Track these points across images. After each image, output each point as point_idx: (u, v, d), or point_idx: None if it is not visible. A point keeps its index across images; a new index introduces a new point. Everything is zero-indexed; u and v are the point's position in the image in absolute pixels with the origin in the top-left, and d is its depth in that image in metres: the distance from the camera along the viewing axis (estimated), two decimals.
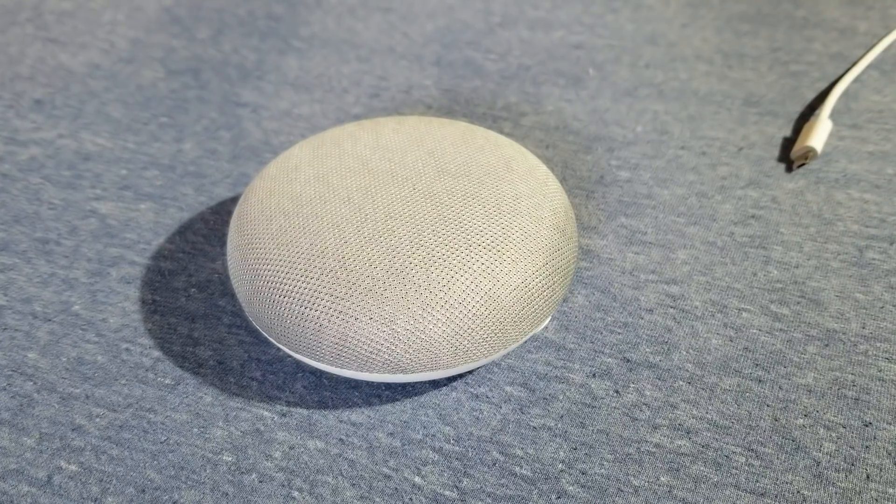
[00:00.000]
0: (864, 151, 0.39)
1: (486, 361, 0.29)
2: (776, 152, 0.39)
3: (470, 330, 0.27)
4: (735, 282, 0.34)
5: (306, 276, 0.28)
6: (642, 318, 0.33)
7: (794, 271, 0.34)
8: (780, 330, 0.32)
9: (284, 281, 0.28)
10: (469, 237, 0.28)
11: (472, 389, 0.31)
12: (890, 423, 0.29)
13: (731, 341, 0.32)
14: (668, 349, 0.32)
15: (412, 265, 0.27)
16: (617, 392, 0.31)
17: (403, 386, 0.31)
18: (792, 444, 0.29)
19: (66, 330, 0.34)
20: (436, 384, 0.32)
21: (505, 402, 0.31)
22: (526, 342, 0.33)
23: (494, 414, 0.30)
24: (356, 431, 0.30)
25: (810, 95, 0.43)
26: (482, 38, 0.49)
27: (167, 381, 0.32)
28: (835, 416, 0.30)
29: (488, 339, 0.28)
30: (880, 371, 0.31)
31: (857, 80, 0.43)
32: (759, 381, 0.31)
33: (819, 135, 0.38)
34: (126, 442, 0.30)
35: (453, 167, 0.31)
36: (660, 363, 0.32)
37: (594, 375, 0.31)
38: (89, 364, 0.33)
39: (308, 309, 0.28)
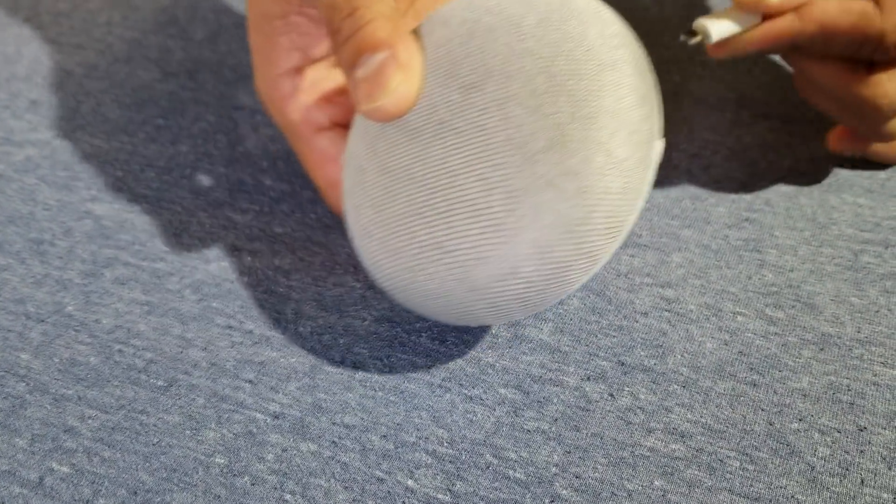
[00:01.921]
0: (857, 156, 0.39)
1: (604, 262, 0.27)
2: (770, 155, 0.39)
3: (585, 231, 0.26)
4: (730, 285, 0.34)
5: (427, 273, 0.28)
6: (637, 322, 0.33)
7: (789, 275, 0.34)
8: (775, 334, 0.32)
9: (410, 286, 0.28)
10: (525, 150, 0.26)
11: (465, 391, 0.31)
12: (885, 428, 0.29)
13: (726, 345, 0.32)
14: (663, 353, 0.32)
15: (496, 214, 0.26)
16: (611, 395, 0.31)
17: (397, 386, 0.31)
18: (786, 448, 0.29)
19: (60, 331, 0.34)
20: (430, 385, 0.31)
21: (499, 404, 0.31)
22: (521, 345, 0.33)
23: (488, 416, 0.30)
24: (349, 434, 0.30)
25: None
26: None
27: (160, 383, 0.32)
28: (829, 421, 0.30)
29: (600, 237, 0.26)
30: (875, 375, 0.31)
31: None
32: (754, 384, 0.31)
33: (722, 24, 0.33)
34: (118, 444, 0.30)
35: (474, 76, 0.27)
36: (654, 367, 0.32)
37: (589, 378, 0.31)
38: (82, 365, 0.33)
39: (447, 298, 0.28)
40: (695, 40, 0.32)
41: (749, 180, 0.38)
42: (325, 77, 0.35)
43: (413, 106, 0.28)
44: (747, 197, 0.37)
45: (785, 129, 0.41)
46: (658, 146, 0.27)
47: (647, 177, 0.27)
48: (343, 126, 0.35)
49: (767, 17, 0.32)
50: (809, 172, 0.39)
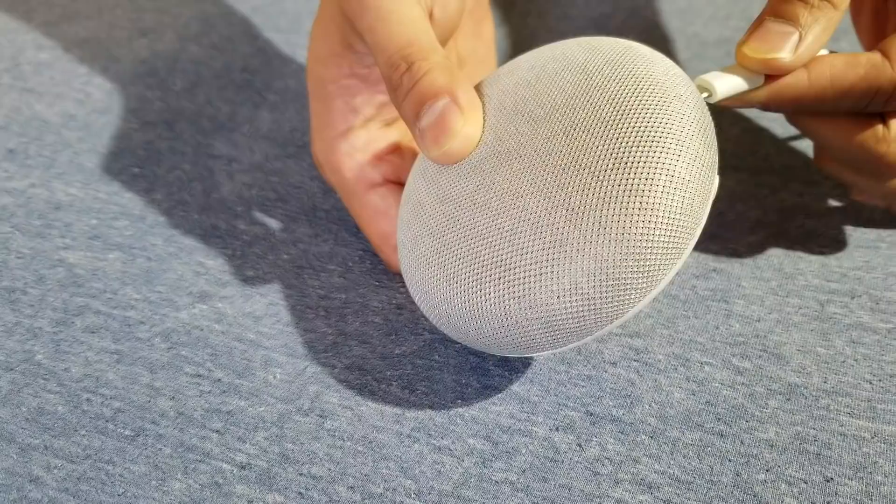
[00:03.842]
0: (823, 207, 0.40)
1: (672, 275, 0.28)
2: (737, 206, 0.40)
3: (647, 249, 0.26)
4: (697, 335, 0.34)
5: (485, 294, 0.28)
6: (606, 371, 0.33)
7: (756, 325, 0.35)
8: (742, 384, 0.32)
9: (469, 309, 0.28)
10: (593, 170, 0.27)
11: (434, 441, 0.31)
12: (851, 479, 0.29)
13: (694, 395, 0.32)
14: (631, 402, 0.32)
15: (560, 230, 0.27)
16: (580, 446, 0.31)
17: (366, 436, 0.31)
18: (754, 499, 0.29)
19: (28, 379, 0.34)
20: (399, 435, 0.31)
21: (467, 454, 0.31)
22: (491, 394, 0.33)
23: (457, 467, 0.30)
24: (316, 485, 0.30)
25: (771, 150, 0.43)
26: None
27: (127, 433, 0.32)
28: (796, 472, 0.30)
29: (663, 254, 0.27)
30: (842, 426, 0.31)
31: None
32: (721, 435, 0.31)
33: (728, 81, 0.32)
34: (83, 494, 0.30)
35: (539, 110, 0.29)
36: (623, 417, 0.32)
37: (557, 429, 0.31)
38: (49, 414, 0.33)
39: (505, 320, 0.28)
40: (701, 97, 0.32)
41: (717, 231, 0.39)
42: (377, 137, 0.37)
43: (477, 145, 0.30)
44: (714, 247, 0.38)
45: (752, 181, 0.41)
46: (716, 181, 0.28)
47: (706, 205, 0.28)
48: (394, 182, 0.37)
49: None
50: (776, 223, 0.39)
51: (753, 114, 0.46)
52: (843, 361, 0.33)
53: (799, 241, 0.38)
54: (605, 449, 0.31)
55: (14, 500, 0.30)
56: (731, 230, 0.39)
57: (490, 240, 0.28)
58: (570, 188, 0.27)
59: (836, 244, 0.38)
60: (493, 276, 0.28)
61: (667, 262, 0.27)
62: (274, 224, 0.41)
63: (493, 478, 0.30)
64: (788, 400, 0.32)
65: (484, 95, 0.31)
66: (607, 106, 0.28)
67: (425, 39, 0.31)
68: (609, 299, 0.27)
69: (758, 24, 0.31)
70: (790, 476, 0.29)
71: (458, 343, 0.34)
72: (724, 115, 0.46)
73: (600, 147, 0.27)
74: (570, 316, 0.27)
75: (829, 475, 0.29)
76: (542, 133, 0.29)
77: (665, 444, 0.31)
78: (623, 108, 0.28)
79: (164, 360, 0.34)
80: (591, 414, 0.32)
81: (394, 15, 0.31)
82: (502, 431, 0.31)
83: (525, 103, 0.30)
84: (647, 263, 0.26)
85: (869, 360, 0.33)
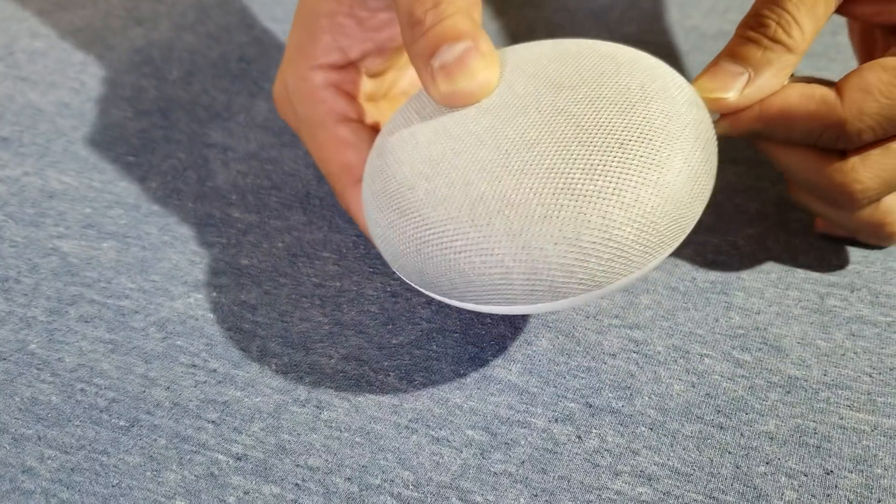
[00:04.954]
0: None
1: (671, 251, 0.28)
2: (736, 198, 0.40)
3: (653, 223, 0.26)
4: (697, 327, 0.34)
5: (476, 225, 0.27)
6: (605, 363, 0.33)
7: (756, 317, 0.34)
8: (742, 376, 0.32)
9: (454, 237, 0.27)
10: (616, 135, 0.27)
11: (433, 433, 0.31)
12: (851, 472, 0.29)
13: (694, 387, 0.32)
14: (631, 394, 0.32)
15: (575, 180, 0.26)
16: (579, 437, 0.31)
17: (363, 427, 0.31)
18: (753, 491, 0.29)
19: (21, 369, 0.34)
20: (396, 426, 0.31)
21: (466, 446, 0.30)
22: (489, 385, 0.32)
23: (455, 458, 0.30)
24: (313, 476, 0.30)
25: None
26: None
27: (121, 423, 0.32)
28: (796, 464, 0.29)
29: (671, 225, 0.27)
30: (842, 418, 0.31)
31: None
32: (721, 427, 0.31)
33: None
34: (77, 485, 0.30)
35: (565, 79, 0.29)
36: (622, 408, 0.31)
37: (556, 420, 0.31)
38: (43, 404, 0.32)
39: (489, 256, 0.27)
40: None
41: (716, 224, 0.39)
42: (356, 81, 0.36)
43: (492, 91, 0.30)
44: (714, 240, 0.38)
45: (751, 173, 0.41)
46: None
47: (705, 199, 0.28)
48: (366, 126, 0.36)
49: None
50: (776, 216, 0.39)
51: None
52: (843, 354, 0.33)
53: (798, 233, 0.38)
54: (605, 441, 0.30)
55: (7, 491, 0.30)
56: (731, 223, 0.39)
57: (495, 174, 0.27)
58: (591, 147, 0.27)
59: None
60: (491, 208, 0.27)
61: (671, 236, 0.27)
62: (268, 211, 0.40)
63: (491, 469, 0.30)
64: (788, 392, 0.32)
65: (504, 56, 0.31)
66: (634, 88, 0.28)
67: None
68: (603, 261, 0.26)
69: (713, 63, 0.31)
70: (790, 468, 0.29)
71: (455, 333, 0.34)
72: None
73: (626, 122, 0.27)
74: (559, 267, 0.26)
75: (828, 468, 0.29)
76: (568, 97, 0.29)
77: (665, 436, 0.30)
78: (648, 92, 0.28)
79: (159, 350, 0.34)
80: (591, 405, 0.32)
81: None
82: (501, 423, 0.31)
83: (550, 72, 0.30)
84: (653, 234, 0.27)
85: (869, 353, 0.33)
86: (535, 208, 0.26)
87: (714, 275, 0.36)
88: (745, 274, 0.36)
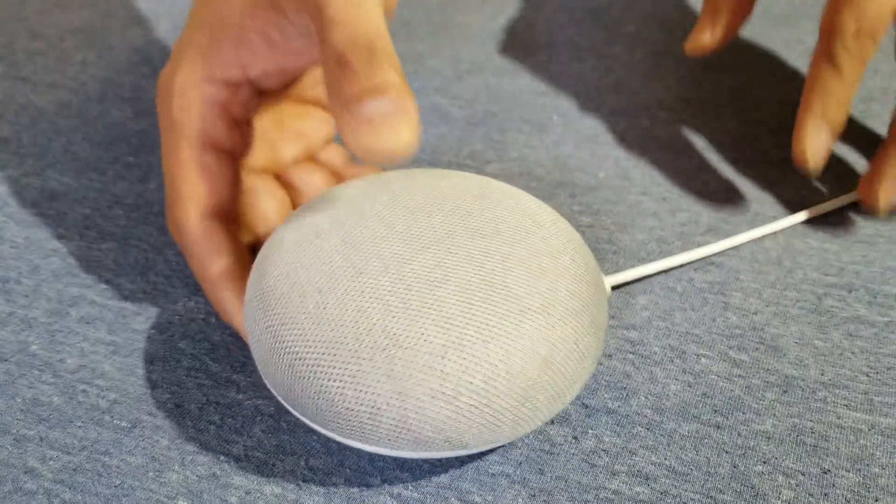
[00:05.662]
0: (822, 201, 0.40)
1: (536, 428, 0.27)
2: (735, 199, 0.40)
3: (531, 397, 0.26)
4: (694, 327, 0.34)
5: (357, 357, 0.26)
6: (601, 364, 0.33)
7: (753, 318, 0.35)
8: (739, 376, 0.32)
9: (332, 363, 0.26)
10: (519, 302, 0.27)
11: None
12: (848, 471, 0.29)
13: (690, 387, 0.32)
14: (627, 395, 0.32)
15: (468, 337, 0.26)
16: (575, 438, 0.31)
17: None
18: (751, 491, 0.29)
19: (23, 370, 0.34)
20: None
21: None
22: None
23: (453, 459, 0.30)
24: (314, 477, 0.30)
25: (769, 142, 0.43)
26: (449, 84, 0.50)
27: (123, 424, 0.32)
28: (793, 464, 0.30)
29: (547, 403, 0.27)
30: (839, 418, 0.31)
31: None
32: (718, 427, 0.31)
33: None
34: (79, 486, 0.30)
35: (483, 226, 0.29)
36: (618, 409, 0.32)
37: (553, 421, 0.31)
38: (45, 405, 0.33)
39: (362, 392, 0.26)
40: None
41: (714, 224, 0.39)
42: (245, 105, 0.34)
43: (410, 156, 0.29)
44: (712, 240, 0.38)
45: (751, 174, 0.41)
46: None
47: (585, 379, 0.29)
48: (235, 160, 0.34)
49: None
50: (775, 216, 0.39)
51: (752, 106, 0.46)
52: (841, 354, 0.33)
53: (797, 234, 0.38)
54: (602, 441, 0.31)
55: (9, 492, 0.30)
56: (728, 223, 0.39)
57: (391, 307, 0.26)
58: (493, 307, 0.26)
59: (833, 238, 0.38)
60: (378, 343, 0.26)
61: (538, 418, 0.27)
62: None
63: (489, 470, 0.30)
64: (785, 392, 0.32)
65: (429, 181, 0.31)
66: (549, 259, 0.28)
67: (389, 40, 0.29)
68: (475, 425, 0.26)
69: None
70: (787, 468, 0.30)
71: None
72: (723, 107, 0.46)
73: (532, 287, 0.27)
74: (430, 422, 0.26)
75: (826, 467, 0.30)
76: (479, 247, 0.28)
77: (661, 435, 0.31)
78: (560, 265, 0.28)
79: (161, 353, 0.34)
80: (587, 406, 0.32)
81: (367, 2, 0.29)
82: None
83: (470, 212, 0.29)
84: (525, 412, 0.26)
85: (866, 352, 0.33)
86: (421, 356, 0.26)
87: (712, 275, 0.36)
88: (742, 275, 0.36)
